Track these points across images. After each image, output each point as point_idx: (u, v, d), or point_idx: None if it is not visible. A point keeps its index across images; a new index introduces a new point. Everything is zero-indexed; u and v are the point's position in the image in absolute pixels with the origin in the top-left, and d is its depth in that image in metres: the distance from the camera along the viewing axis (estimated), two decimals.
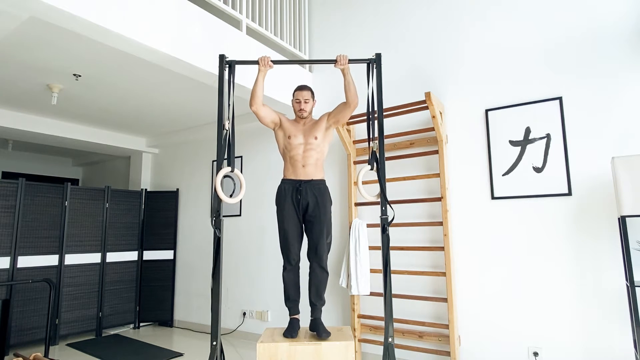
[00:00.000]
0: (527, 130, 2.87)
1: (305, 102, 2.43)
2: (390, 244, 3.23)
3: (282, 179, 2.42)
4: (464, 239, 3.04)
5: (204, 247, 4.72)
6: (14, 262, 3.79)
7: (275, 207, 2.42)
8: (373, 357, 3.28)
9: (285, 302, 2.41)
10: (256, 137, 4.42)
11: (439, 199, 3.06)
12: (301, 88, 2.45)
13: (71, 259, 4.23)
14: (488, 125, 3.02)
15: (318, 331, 2.22)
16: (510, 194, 2.89)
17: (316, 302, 2.35)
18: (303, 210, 2.34)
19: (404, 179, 3.20)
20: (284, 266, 2.41)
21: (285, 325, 3.86)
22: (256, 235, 4.24)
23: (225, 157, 2.14)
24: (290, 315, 2.37)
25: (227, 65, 2.20)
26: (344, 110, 2.37)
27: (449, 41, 3.28)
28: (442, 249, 2.99)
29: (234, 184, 4.48)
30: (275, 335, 2.25)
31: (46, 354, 3.34)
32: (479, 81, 3.11)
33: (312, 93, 2.48)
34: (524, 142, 2.87)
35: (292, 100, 2.46)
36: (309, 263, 2.38)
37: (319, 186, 2.37)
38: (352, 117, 3.36)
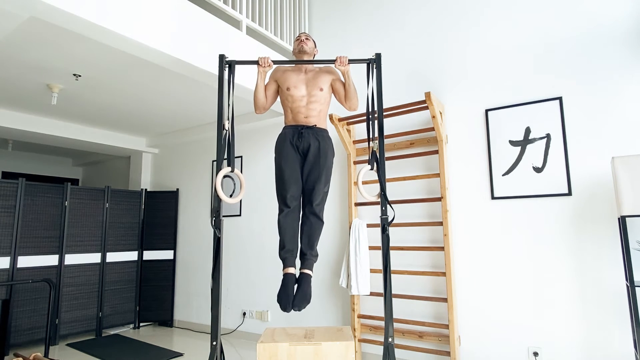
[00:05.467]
0: (527, 130, 2.87)
1: (307, 39, 2.29)
2: (390, 244, 3.23)
3: (284, 127, 2.28)
4: (464, 239, 3.04)
5: (204, 247, 4.72)
6: (14, 262, 3.79)
7: (274, 153, 2.26)
8: (373, 357, 3.28)
9: (279, 252, 2.17)
10: (256, 137, 4.42)
11: (439, 199, 3.06)
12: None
13: (71, 259, 4.23)
14: (488, 125, 3.02)
15: (301, 289, 2.04)
16: (510, 194, 2.89)
17: (306, 251, 2.16)
18: (303, 154, 2.20)
19: (404, 179, 3.20)
20: (279, 209, 2.19)
21: (285, 325, 3.86)
22: (256, 235, 4.24)
23: (225, 157, 2.13)
24: (284, 267, 2.13)
25: (227, 65, 2.19)
26: (342, 102, 2.27)
27: (449, 41, 3.28)
28: (442, 249, 2.99)
29: (234, 184, 4.48)
30: (275, 335, 2.24)
31: (46, 354, 3.34)
32: (479, 81, 3.11)
33: (314, 42, 2.36)
34: (524, 142, 2.88)
35: (293, 45, 2.33)
36: (302, 211, 2.22)
37: (323, 133, 2.23)
38: (352, 117, 3.37)
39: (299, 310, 2.02)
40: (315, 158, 2.18)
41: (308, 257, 2.17)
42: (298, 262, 2.19)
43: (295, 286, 2.09)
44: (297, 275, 2.14)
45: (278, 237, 2.21)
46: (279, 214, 2.19)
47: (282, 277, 2.12)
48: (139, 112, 4.33)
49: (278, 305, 2.08)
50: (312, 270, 2.16)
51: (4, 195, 3.82)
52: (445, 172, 3.05)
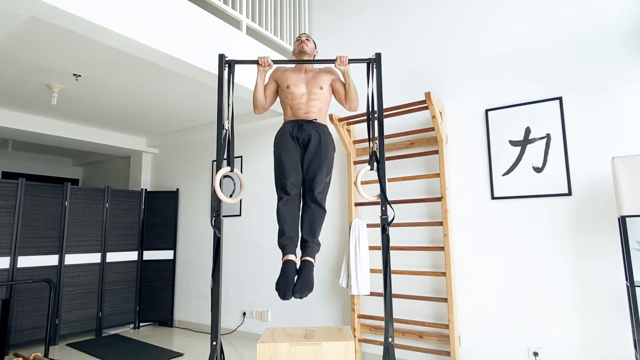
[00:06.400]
0: (527, 130, 2.87)
1: (307, 40, 2.28)
2: (390, 244, 3.23)
3: (283, 122, 2.26)
4: (464, 239, 3.04)
5: (204, 247, 4.72)
6: (14, 262, 3.79)
7: (274, 147, 2.23)
8: (373, 357, 3.28)
9: (278, 239, 2.07)
10: (256, 137, 4.42)
11: (439, 199, 3.06)
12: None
13: (71, 259, 4.23)
14: (488, 125, 3.02)
15: (302, 275, 1.92)
16: (510, 194, 2.88)
17: (308, 239, 2.07)
18: (303, 145, 2.16)
19: (404, 179, 3.20)
20: (279, 198, 2.12)
21: (285, 325, 3.86)
22: (256, 235, 4.24)
23: (225, 157, 2.13)
24: (283, 255, 2.02)
25: (227, 65, 2.19)
26: (343, 103, 2.27)
27: (449, 41, 3.28)
28: (442, 249, 2.99)
29: (234, 184, 4.48)
30: (275, 335, 2.24)
31: (46, 354, 3.34)
32: (479, 81, 3.11)
33: (314, 43, 2.36)
34: (524, 142, 2.88)
35: (293, 45, 2.33)
36: (302, 201, 2.17)
37: (323, 127, 2.21)
38: (352, 117, 3.37)
39: (300, 297, 1.89)
40: (316, 149, 2.15)
41: (310, 245, 2.07)
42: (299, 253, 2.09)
43: (296, 276, 1.98)
44: (297, 264, 2.03)
45: (277, 226, 2.11)
46: (278, 202, 2.12)
47: (281, 265, 2.00)
48: (139, 112, 4.33)
49: (277, 293, 1.95)
50: (314, 259, 2.06)
51: (4, 195, 3.82)
52: (445, 172, 3.05)
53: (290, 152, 2.15)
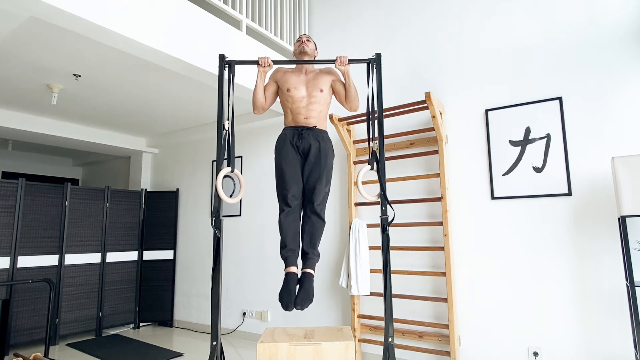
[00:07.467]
0: (527, 130, 2.87)
1: (308, 41, 2.30)
2: (390, 244, 3.23)
3: (284, 128, 2.28)
4: (464, 239, 3.04)
5: (204, 247, 4.72)
6: (14, 262, 3.79)
7: (274, 154, 2.26)
8: (373, 357, 3.29)
9: (280, 251, 2.17)
10: (256, 137, 4.42)
11: (439, 199, 3.06)
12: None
13: (71, 259, 4.23)
14: (488, 125, 3.02)
15: (303, 288, 2.02)
16: (510, 194, 2.89)
17: (308, 251, 2.15)
18: (303, 154, 2.20)
19: (404, 179, 3.20)
20: (280, 209, 2.19)
21: (285, 325, 3.86)
22: (256, 235, 4.24)
23: (225, 157, 2.13)
24: (285, 267, 2.11)
25: (227, 65, 2.19)
26: (343, 103, 2.28)
27: (449, 41, 3.28)
28: (442, 249, 2.99)
29: (234, 184, 4.48)
30: (275, 335, 2.24)
31: (46, 354, 3.34)
32: (479, 81, 3.11)
33: (315, 44, 2.37)
34: (524, 142, 2.88)
35: (294, 46, 2.35)
36: (303, 211, 2.23)
37: (322, 134, 2.23)
38: (352, 117, 3.37)
39: (302, 309, 1.99)
40: (316, 158, 2.18)
41: (310, 257, 2.16)
42: (300, 262, 2.18)
43: (297, 286, 2.08)
44: (299, 275, 2.13)
45: (279, 237, 2.20)
46: (280, 214, 2.19)
47: (283, 276, 2.11)
48: (139, 112, 4.34)
49: (280, 304, 2.06)
50: (314, 270, 2.15)
51: (4, 195, 3.82)
52: (445, 172, 3.05)
53: (290, 163, 2.18)
